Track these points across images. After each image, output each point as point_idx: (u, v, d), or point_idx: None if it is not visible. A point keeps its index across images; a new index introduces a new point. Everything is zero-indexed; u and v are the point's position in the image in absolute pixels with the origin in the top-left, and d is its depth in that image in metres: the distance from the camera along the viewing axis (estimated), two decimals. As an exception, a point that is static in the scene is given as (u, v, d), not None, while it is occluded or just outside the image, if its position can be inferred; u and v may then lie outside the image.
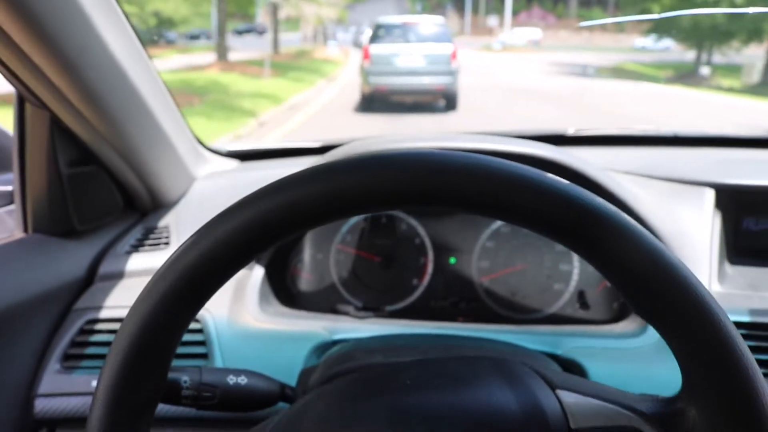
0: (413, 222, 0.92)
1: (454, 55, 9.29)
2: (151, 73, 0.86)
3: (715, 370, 0.34)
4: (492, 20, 44.24)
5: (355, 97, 10.02)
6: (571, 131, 1.16)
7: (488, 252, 0.90)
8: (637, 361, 0.73)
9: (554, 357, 0.74)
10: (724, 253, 0.88)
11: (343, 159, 0.36)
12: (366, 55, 9.45)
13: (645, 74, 16.61)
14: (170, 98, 0.94)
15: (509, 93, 10.47)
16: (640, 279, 0.34)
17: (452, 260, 0.91)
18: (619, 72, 17.63)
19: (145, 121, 0.86)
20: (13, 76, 0.73)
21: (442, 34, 9.65)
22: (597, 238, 0.34)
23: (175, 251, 0.37)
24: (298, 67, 15.65)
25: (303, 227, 0.37)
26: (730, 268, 0.87)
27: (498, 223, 0.91)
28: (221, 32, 14.15)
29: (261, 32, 34.02)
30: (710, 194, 0.88)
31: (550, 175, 0.36)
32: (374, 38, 9.71)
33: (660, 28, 19.18)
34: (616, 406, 0.41)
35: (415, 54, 9.36)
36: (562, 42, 37.58)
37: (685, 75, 15.71)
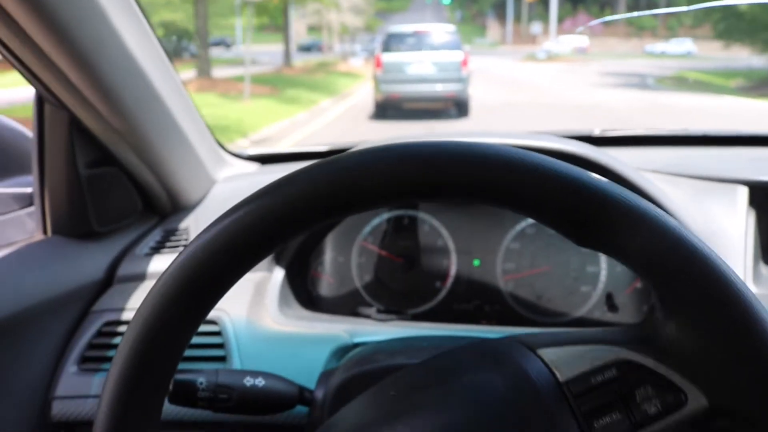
0: (436, 223, 0.93)
1: (464, 62, 9.85)
2: (170, 74, 0.89)
3: (688, 277, 0.35)
4: (536, 27, 43.50)
5: (363, 115, 9.84)
6: (597, 131, 1.17)
7: (513, 253, 0.91)
8: None
9: None
10: (759, 254, 0.87)
11: (341, 156, 0.37)
12: (378, 64, 10.08)
13: (711, 84, 15.27)
14: (190, 100, 0.96)
15: (563, 113, 9.56)
16: (586, 206, 0.35)
17: (476, 262, 0.91)
18: (682, 82, 16.35)
19: (164, 121, 0.89)
20: (31, 75, 0.76)
21: (453, 42, 10.24)
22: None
23: (180, 252, 0.38)
24: (304, 83, 14.05)
25: (309, 224, 0.37)
26: (765, 269, 0.86)
27: (523, 224, 0.91)
28: (203, 45, 12.93)
29: (228, 45, 31.79)
30: (743, 192, 0.87)
31: (551, 159, 0.36)
32: (386, 47, 10.33)
33: (732, 31, 17.78)
34: (596, 345, 0.42)
35: (426, 62, 9.96)
36: (610, 49, 36.50)
37: (762, 84, 14.41)
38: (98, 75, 0.74)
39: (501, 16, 54.75)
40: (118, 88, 0.78)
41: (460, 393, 0.42)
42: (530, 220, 0.91)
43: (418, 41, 10.36)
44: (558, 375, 0.41)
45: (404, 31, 10.95)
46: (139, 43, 0.80)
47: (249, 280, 0.86)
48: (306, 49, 29.85)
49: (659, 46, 35.32)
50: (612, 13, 48.41)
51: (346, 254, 0.94)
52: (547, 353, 0.43)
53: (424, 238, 0.92)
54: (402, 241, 0.92)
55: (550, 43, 34.97)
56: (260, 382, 0.64)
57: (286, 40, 19.00)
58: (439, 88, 9.80)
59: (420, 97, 10.05)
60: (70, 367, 0.81)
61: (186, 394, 0.61)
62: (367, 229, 0.95)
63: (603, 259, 0.89)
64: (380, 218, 0.94)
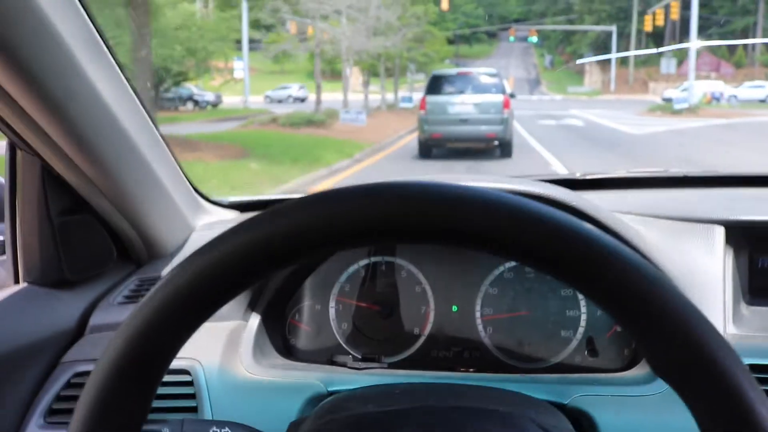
0: (413, 269, 1.03)
1: (506, 104, 11.80)
2: (144, 121, 1.00)
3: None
4: (667, 65, 39.88)
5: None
6: (578, 174, 1.30)
7: (492, 299, 1.00)
8: (649, 409, 0.80)
9: (560, 407, 0.81)
10: (739, 294, 0.96)
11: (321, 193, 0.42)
12: (422, 106, 12.14)
13: None
14: (166, 147, 1.07)
15: None
16: (655, 331, 0.37)
17: (455, 308, 1.01)
18: None
19: (139, 169, 0.99)
20: (2, 122, 0.85)
21: (495, 84, 12.44)
22: (600, 272, 0.38)
23: (139, 303, 0.42)
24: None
25: (291, 259, 0.41)
26: (746, 309, 0.96)
27: (501, 269, 1.00)
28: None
29: (196, 101, 24.52)
30: (720, 232, 0.97)
31: (535, 203, 0.39)
32: (430, 89, 12.62)
33: None
34: None
35: (468, 103, 12.09)
36: (745, 96, 31.20)
37: None
38: (70, 123, 0.85)
39: (602, 60, 54.62)
40: (89, 136, 0.88)
41: None
42: (508, 265, 1.00)
43: (461, 83, 12.66)
44: None
45: (449, 73, 13.68)
46: (112, 90, 0.90)
47: (223, 328, 0.96)
48: (184, 100, 23.20)
49: (728, 90, 32.16)
50: (746, 55, 46.47)
51: (324, 302, 1.04)
52: None
53: (402, 285, 1.02)
54: (380, 288, 1.03)
55: (673, 90, 33.57)
56: None
57: (153, 88, 12.68)
58: (482, 129, 11.68)
59: (462, 137, 11.99)
60: (37, 420, 0.89)
61: None
62: (344, 276, 1.04)
63: (583, 303, 0.97)
64: (357, 265, 1.04)
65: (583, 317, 0.98)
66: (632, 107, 30.20)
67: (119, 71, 0.95)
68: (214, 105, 25.70)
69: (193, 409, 0.89)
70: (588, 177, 1.32)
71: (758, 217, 1.01)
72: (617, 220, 0.94)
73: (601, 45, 52.58)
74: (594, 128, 18.28)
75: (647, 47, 52.49)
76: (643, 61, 51.05)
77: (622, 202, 1.12)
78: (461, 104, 12.22)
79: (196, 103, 23.98)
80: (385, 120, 18.53)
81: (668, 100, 33.16)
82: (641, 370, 0.88)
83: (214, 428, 0.72)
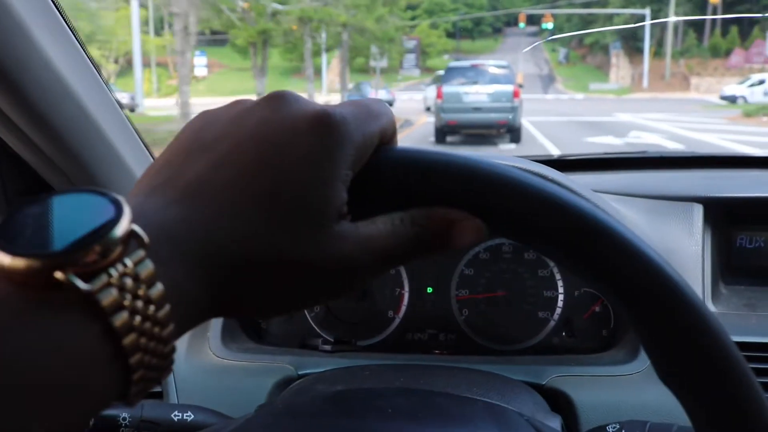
0: None
1: (516, 94, 13.79)
2: (105, 95, 0.97)
3: (730, 417, 0.37)
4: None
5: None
6: (555, 155, 1.40)
7: (467, 279, 1.01)
8: (627, 387, 0.82)
9: (538, 387, 0.82)
10: (717, 273, 0.98)
11: None
12: (439, 95, 14.21)
13: None
14: (129, 124, 1.04)
15: None
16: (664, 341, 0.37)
17: (430, 289, 1.02)
18: None
19: (100, 147, 0.97)
20: None
21: (506, 75, 14.64)
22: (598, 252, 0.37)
23: None
24: None
25: None
26: (724, 289, 0.99)
27: (477, 249, 1.01)
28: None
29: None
30: (699, 210, 0.99)
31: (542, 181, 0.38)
32: (446, 79, 14.84)
33: None
34: None
35: (481, 93, 14.14)
36: None
37: None
38: (23, 95, 0.81)
39: (631, 51, 48.02)
40: (45, 110, 0.85)
41: None
42: (484, 246, 1.00)
43: (474, 74, 14.78)
44: None
45: (463, 65, 16.06)
46: (68, 61, 0.86)
47: None
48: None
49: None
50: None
51: None
52: None
53: None
54: None
55: (735, 86, 27.41)
56: (189, 416, 0.71)
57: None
58: (493, 116, 13.72)
59: (475, 123, 14.04)
60: None
61: (107, 430, 0.68)
62: None
63: (560, 283, 0.98)
64: None
65: (561, 298, 0.99)
66: (691, 108, 22.75)
67: (76, 41, 0.92)
68: (131, 110, 21.33)
69: (159, 395, 0.89)
70: (567, 158, 1.35)
71: (737, 194, 1.03)
72: (598, 198, 0.95)
73: (630, 36, 45.41)
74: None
75: (684, 36, 45.66)
76: (681, 52, 44.00)
77: (600, 182, 1.13)
78: (475, 94, 13.94)
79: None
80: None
81: (731, 99, 26.02)
82: (619, 350, 0.91)
83: (177, 411, 0.72)
